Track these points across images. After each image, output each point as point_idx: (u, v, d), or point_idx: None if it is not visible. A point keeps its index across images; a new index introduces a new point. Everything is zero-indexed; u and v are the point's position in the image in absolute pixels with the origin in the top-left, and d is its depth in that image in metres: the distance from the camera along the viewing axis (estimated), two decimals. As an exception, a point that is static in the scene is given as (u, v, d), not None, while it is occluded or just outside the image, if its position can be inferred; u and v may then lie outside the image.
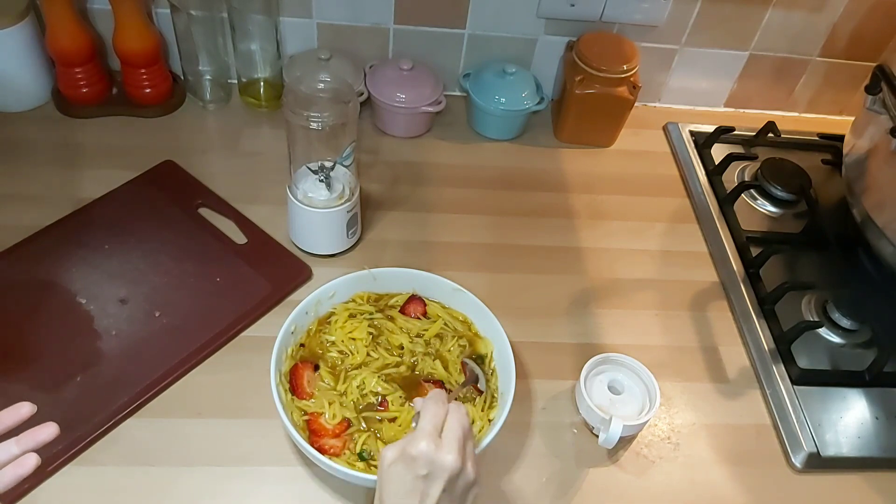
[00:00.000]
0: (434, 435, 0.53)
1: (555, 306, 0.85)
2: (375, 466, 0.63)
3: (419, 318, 0.76)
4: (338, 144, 0.79)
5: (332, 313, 0.76)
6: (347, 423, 0.67)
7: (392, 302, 0.78)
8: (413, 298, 0.78)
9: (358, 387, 0.70)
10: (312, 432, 0.66)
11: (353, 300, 0.77)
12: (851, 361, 0.83)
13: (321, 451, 0.63)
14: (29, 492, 0.64)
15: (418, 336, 0.75)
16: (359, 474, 0.61)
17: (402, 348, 0.74)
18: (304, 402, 0.68)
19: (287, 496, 0.66)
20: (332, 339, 0.73)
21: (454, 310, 0.77)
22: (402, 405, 0.69)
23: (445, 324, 0.76)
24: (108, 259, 0.82)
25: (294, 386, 0.69)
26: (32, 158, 0.92)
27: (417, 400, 0.59)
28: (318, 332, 0.74)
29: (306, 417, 0.67)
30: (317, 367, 0.71)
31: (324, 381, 0.70)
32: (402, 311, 0.77)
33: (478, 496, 0.55)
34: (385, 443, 0.66)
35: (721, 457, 0.74)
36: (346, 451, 0.66)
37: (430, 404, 0.56)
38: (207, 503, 0.65)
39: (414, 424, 0.55)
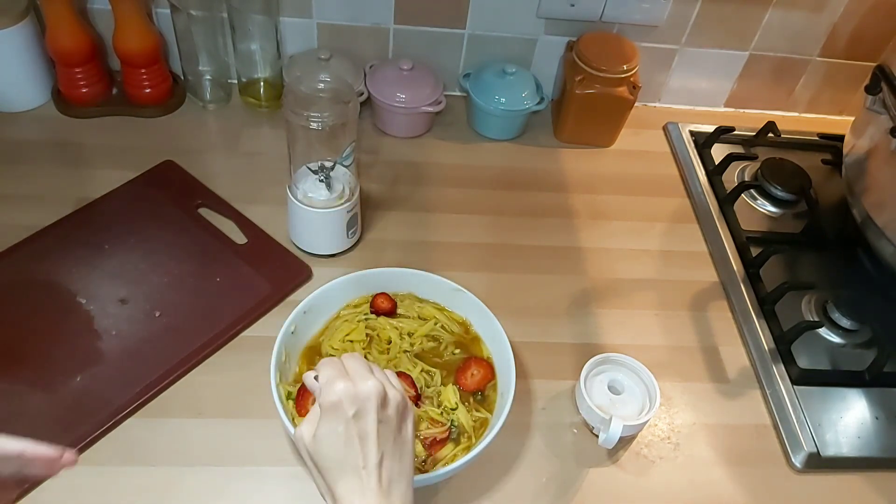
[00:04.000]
0: (343, 374, 0.50)
1: (555, 306, 0.85)
2: None
3: (416, 318, 0.76)
4: (338, 144, 0.79)
5: (336, 318, 0.75)
6: None
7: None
8: (379, 296, 0.77)
9: None
10: None
11: (350, 305, 0.77)
12: (851, 361, 0.83)
13: None
14: (29, 492, 0.64)
15: (409, 334, 0.75)
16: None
17: (391, 342, 0.74)
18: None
19: (287, 496, 0.66)
20: (336, 347, 0.73)
21: (452, 312, 0.77)
22: None
23: (443, 326, 0.76)
24: (108, 259, 0.82)
25: (298, 400, 0.68)
26: (32, 158, 0.92)
27: (305, 375, 0.54)
28: (323, 334, 0.74)
29: None
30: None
31: None
32: (373, 306, 0.76)
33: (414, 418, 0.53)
34: None
35: (721, 457, 0.74)
36: None
37: (323, 362, 0.53)
38: (208, 503, 0.65)
39: (315, 386, 0.52)
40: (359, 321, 0.75)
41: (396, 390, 0.52)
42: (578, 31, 1.02)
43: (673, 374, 0.80)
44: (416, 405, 0.69)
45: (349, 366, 0.52)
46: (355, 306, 0.77)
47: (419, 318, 0.77)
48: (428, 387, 0.71)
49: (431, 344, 0.75)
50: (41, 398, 0.69)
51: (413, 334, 0.75)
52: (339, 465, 0.48)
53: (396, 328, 0.75)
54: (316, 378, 0.52)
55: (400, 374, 0.70)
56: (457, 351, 0.74)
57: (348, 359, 0.53)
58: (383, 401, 0.50)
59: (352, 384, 0.49)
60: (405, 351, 0.73)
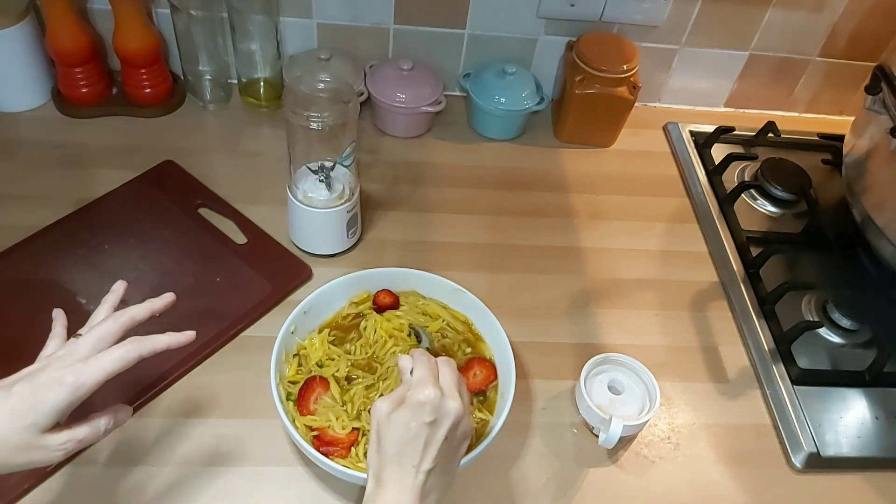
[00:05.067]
0: (436, 383, 0.54)
1: (555, 306, 0.85)
2: None
3: (421, 315, 0.76)
4: (338, 144, 0.79)
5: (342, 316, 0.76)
6: (357, 431, 0.66)
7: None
8: (381, 292, 0.77)
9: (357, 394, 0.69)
10: (327, 444, 0.65)
11: (353, 301, 0.77)
12: (851, 361, 0.83)
13: (328, 455, 0.63)
14: (29, 491, 0.64)
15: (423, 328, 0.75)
16: (359, 474, 0.61)
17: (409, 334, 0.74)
18: (307, 417, 0.67)
19: (287, 496, 0.66)
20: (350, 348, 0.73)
21: (455, 310, 0.77)
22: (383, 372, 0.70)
23: (448, 324, 0.76)
24: (108, 259, 0.82)
25: (300, 398, 0.68)
26: (32, 158, 0.92)
27: (402, 357, 0.58)
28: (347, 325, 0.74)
29: (315, 433, 0.66)
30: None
31: (330, 399, 0.68)
32: (376, 302, 0.77)
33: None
34: None
35: (721, 457, 0.74)
36: (352, 452, 0.65)
37: (422, 357, 0.57)
38: (208, 503, 0.65)
39: (407, 377, 0.56)
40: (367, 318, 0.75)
41: (469, 420, 0.56)
42: (578, 31, 1.02)
43: (673, 374, 0.80)
44: None
45: (444, 377, 0.56)
46: (357, 303, 0.77)
47: (424, 314, 0.77)
48: None
49: (446, 341, 0.75)
50: (41, 398, 0.69)
51: (425, 329, 0.75)
52: (398, 453, 0.52)
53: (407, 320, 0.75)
54: (411, 372, 0.56)
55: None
56: (468, 350, 0.74)
57: (445, 367, 0.57)
58: (458, 421, 0.54)
59: (441, 396, 0.53)
60: (426, 347, 0.73)
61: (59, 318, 0.60)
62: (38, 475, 0.64)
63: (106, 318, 0.57)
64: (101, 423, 0.55)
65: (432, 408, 0.52)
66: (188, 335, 0.58)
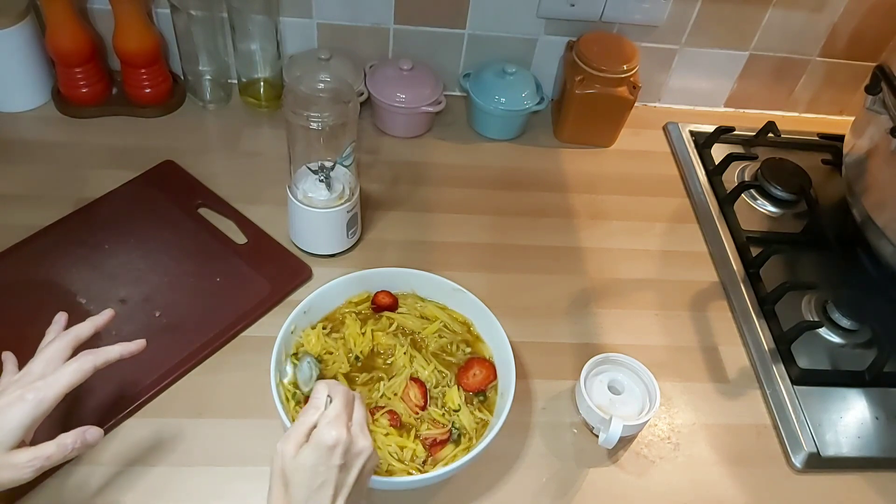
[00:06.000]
0: (347, 422, 0.53)
1: (555, 306, 0.85)
2: (388, 471, 0.63)
3: (419, 318, 0.76)
4: (338, 144, 0.79)
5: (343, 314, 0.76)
6: None
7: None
8: (380, 293, 0.77)
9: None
10: None
11: (352, 301, 0.77)
12: (851, 361, 0.83)
13: None
14: (29, 491, 0.64)
15: (418, 332, 0.75)
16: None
17: (411, 334, 0.74)
18: None
19: (287, 496, 0.66)
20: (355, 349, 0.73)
21: (454, 310, 0.77)
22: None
23: (446, 325, 0.76)
24: (108, 259, 0.82)
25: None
26: (32, 158, 0.92)
27: (320, 382, 0.57)
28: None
29: None
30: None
31: None
32: (374, 302, 0.77)
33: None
34: (380, 448, 0.65)
35: (721, 457, 0.74)
36: None
37: (339, 388, 0.56)
38: (207, 503, 0.65)
39: (317, 403, 0.54)
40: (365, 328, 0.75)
41: (375, 451, 0.55)
42: (578, 31, 1.02)
43: (673, 374, 0.80)
44: (423, 409, 0.69)
45: (358, 413, 0.55)
46: (356, 303, 0.77)
47: (422, 317, 0.77)
48: (436, 386, 0.71)
49: (444, 340, 0.75)
50: (41, 398, 0.69)
51: (420, 332, 0.75)
52: (306, 499, 0.51)
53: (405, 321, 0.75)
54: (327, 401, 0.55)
55: (415, 381, 0.71)
56: (467, 350, 0.74)
57: (359, 406, 0.56)
58: (367, 461, 0.53)
59: (350, 438, 0.52)
60: (426, 346, 0.74)
61: (9, 358, 0.63)
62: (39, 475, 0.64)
63: (52, 340, 0.60)
64: (67, 441, 0.55)
65: (342, 449, 0.51)
66: (139, 344, 0.61)
